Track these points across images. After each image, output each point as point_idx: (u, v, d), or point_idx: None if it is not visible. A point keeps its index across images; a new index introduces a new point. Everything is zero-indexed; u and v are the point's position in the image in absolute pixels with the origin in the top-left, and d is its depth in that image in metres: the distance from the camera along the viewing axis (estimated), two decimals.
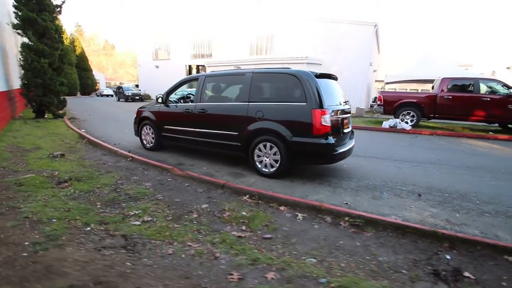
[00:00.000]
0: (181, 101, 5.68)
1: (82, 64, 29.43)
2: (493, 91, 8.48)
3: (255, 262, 1.92)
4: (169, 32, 24.25)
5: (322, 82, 3.86)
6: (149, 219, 2.53)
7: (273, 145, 3.94)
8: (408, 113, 9.56)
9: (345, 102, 4.44)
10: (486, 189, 3.82)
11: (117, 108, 16.80)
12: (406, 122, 9.49)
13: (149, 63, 26.54)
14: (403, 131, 9.13)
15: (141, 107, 5.95)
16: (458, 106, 8.67)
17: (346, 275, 1.81)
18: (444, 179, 4.20)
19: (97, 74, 36.96)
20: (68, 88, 10.80)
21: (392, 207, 3.11)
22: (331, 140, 3.71)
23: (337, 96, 4.21)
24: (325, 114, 3.63)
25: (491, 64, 32.12)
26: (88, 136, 6.58)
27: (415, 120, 9.44)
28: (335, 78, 4.40)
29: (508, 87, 8.27)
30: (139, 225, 2.40)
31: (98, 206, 2.77)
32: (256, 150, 4.10)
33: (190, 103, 5.15)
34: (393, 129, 9.37)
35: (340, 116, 4.04)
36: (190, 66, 24.84)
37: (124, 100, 22.95)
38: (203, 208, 2.92)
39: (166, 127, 5.24)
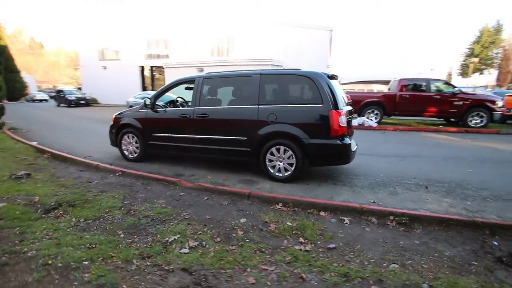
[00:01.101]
0: (171, 105, 5.15)
1: (7, 65, 24.81)
2: (440, 90, 9.76)
3: (346, 277, 1.79)
4: (119, 30, 22.11)
5: (332, 83, 3.89)
6: (196, 244, 2.17)
7: (287, 148, 3.82)
8: (372, 111, 10.40)
9: (348, 103, 4.56)
10: (470, 177, 4.30)
11: (61, 114, 14.69)
12: (371, 120, 10.31)
13: (94, 63, 23.81)
14: (370, 127, 9.89)
15: (118, 114, 5.25)
16: (414, 104, 9.74)
17: (439, 276, 1.81)
18: (434, 171, 4.60)
19: (25, 77, 31.68)
20: None
21: (414, 201, 3.27)
22: (347, 140, 3.77)
23: (343, 97, 4.30)
24: (341, 115, 3.66)
25: (416, 66, 37.40)
26: (49, 150, 5.53)
27: (379, 118, 10.31)
28: (337, 78, 4.48)
29: (453, 87, 9.62)
30: (189, 253, 2.04)
31: (122, 236, 2.28)
32: (268, 155, 3.94)
33: (185, 108, 4.71)
34: (361, 127, 10.07)
35: (349, 116, 4.13)
36: (143, 67, 23.10)
37: (66, 105, 20.19)
38: (243, 223, 2.65)
39: (155, 134, 4.69)
